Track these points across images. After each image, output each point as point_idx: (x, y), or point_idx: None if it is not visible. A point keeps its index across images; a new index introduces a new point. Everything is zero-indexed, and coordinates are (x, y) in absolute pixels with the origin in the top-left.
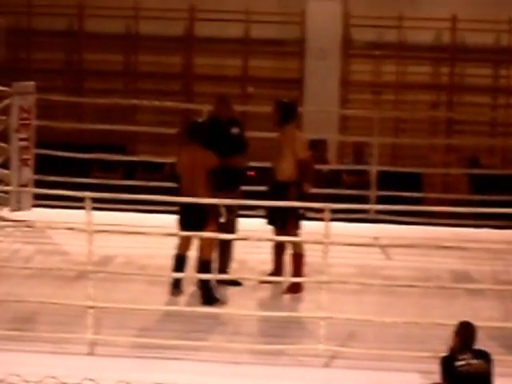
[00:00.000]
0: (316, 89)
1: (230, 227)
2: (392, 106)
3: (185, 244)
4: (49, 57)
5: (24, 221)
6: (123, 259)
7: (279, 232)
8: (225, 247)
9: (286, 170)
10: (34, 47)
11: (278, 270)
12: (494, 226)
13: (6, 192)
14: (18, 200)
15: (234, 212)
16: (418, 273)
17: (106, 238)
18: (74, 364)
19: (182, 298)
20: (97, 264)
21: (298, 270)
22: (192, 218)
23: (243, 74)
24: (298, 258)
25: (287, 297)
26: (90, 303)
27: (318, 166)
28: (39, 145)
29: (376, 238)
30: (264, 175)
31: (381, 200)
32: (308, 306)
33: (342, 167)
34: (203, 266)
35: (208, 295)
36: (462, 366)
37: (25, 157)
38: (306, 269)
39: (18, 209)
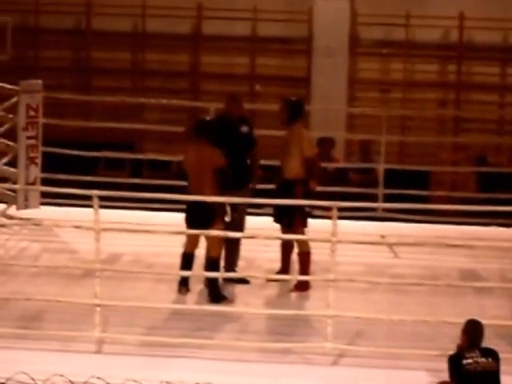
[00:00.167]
0: (323, 87)
1: (237, 225)
2: (399, 104)
3: (192, 242)
4: (56, 55)
5: (31, 219)
6: (130, 257)
7: (286, 230)
8: (232, 245)
9: (294, 168)
10: (42, 45)
11: (285, 268)
12: (502, 224)
13: (13, 190)
14: (25, 198)
15: (239, 211)
16: (426, 271)
17: (113, 236)
18: (81, 362)
19: (190, 296)
20: (104, 262)
21: (304, 268)
22: (199, 216)
23: (251, 72)
24: (305, 257)
25: (294, 295)
26: (98, 301)
27: (323, 164)
28: (47, 143)
29: (383, 236)
30: (271, 173)
31: (388, 198)
32: (315, 304)
33: (349, 165)
34: (211, 264)
35: (215, 293)
36: (470, 364)
37: (32, 155)
38: (313, 267)
39: (26, 207)
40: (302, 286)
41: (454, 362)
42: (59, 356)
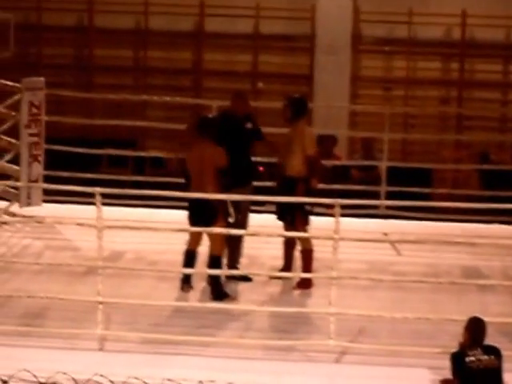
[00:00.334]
0: (326, 84)
1: (240, 223)
2: (402, 102)
3: (195, 240)
4: (58, 52)
5: (34, 216)
6: (133, 255)
7: (289, 228)
8: (235, 243)
9: (296, 165)
10: (44, 43)
11: (288, 266)
12: (504, 221)
13: (16, 187)
14: (28, 195)
15: (243, 208)
16: (428, 268)
17: (115, 233)
18: (84, 360)
19: (192, 294)
20: (106, 260)
21: (307, 266)
22: (201, 214)
23: (253, 70)
24: (307, 254)
25: (297, 292)
26: (100, 299)
27: (324, 162)
28: (49, 140)
29: (386, 234)
30: (273, 171)
31: (391, 196)
32: (318, 302)
33: (351, 163)
34: (214, 261)
35: (218, 291)
36: (473, 361)
37: (35, 152)
38: (315, 264)
39: (28, 204)
40: (305, 284)
41: (457, 359)
42: (62, 353)
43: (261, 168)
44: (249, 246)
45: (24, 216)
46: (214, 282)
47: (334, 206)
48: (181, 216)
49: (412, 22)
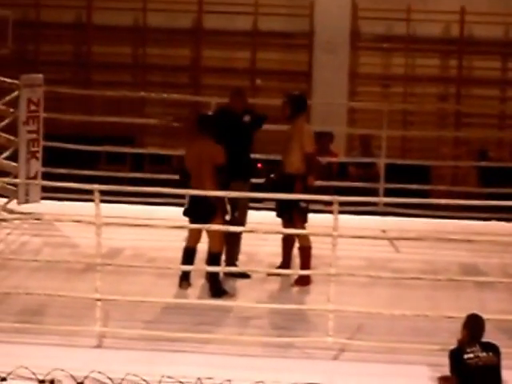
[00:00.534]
0: (324, 81)
1: (238, 220)
2: (400, 99)
3: (194, 237)
4: (57, 49)
5: (32, 213)
6: (131, 252)
7: (287, 225)
8: (233, 240)
9: (295, 162)
10: (42, 40)
11: (286, 263)
12: (503, 218)
13: (14, 184)
14: (26, 192)
15: (241, 205)
16: (427, 265)
17: (114, 230)
18: (82, 356)
19: (191, 291)
20: (105, 256)
21: (305, 263)
22: (200, 211)
23: (251, 67)
24: (306, 251)
25: (296, 289)
26: (98, 296)
27: (321, 159)
28: (47, 137)
29: (384, 231)
30: (272, 167)
31: (389, 193)
32: (317, 299)
33: (349, 160)
34: (212, 258)
35: (216, 288)
36: (471, 358)
37: (33, 149)
38: (314, 261)
39: (27, 201)
40: (303, 281)
41: (455, 356)
42: (60, 350)
43: (259, 165)
44: (247, 243)
45: (22, 213)
46: (212, 278)
47: (332, 203)
48: (179, 213)
49: (410, 19)
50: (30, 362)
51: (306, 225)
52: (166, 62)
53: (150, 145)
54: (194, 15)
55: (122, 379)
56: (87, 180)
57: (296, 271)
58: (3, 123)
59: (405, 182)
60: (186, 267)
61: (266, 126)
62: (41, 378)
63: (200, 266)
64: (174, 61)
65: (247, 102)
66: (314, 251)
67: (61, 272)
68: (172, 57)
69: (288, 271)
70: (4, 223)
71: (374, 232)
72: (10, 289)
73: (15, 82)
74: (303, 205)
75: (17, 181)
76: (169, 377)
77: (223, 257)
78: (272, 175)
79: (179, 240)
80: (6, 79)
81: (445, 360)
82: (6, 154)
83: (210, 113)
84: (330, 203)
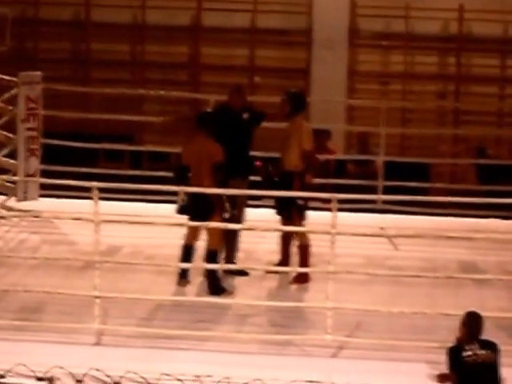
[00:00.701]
0: (323, 79)
1: (237, 217)
2: (399, 96)
3: (192, 234)
4: (55, 47)
5: (31, 211)
6: (130, 249)
7: (286, 222)
8: (231, 237)
9: (293, 160)
10: (41, 37)
11: (285, 260)
12: (501, 216)
13: (13, 182)
14: (24, 190)
15: (239, 203)
16: (426, 263)
17: (112, 227)
18: (80, 354)
19: (189, 288)
20: (104, 254)
21: (304, 261)
22: (199, 209)
23: (250, 64)
24: (305, 249)
25: (294, 287)
26: (97, 293)
27: (318, 156)
28: (46, 135)
29: (383, 228)
30: (271, 165)
31: (388, 190)
32: (315, 296)
33: (347, 157)
34: (210, 255)
35: (215, 285)
36: (469, 356)
37: (32, 147)
38: (312, 259)
39: (25, 199)
40: (302, 278)
41: (454, 354)
42: (59, 348)
43: (258, 162)
44: (246, 241)
45: (21, 210)
46: (211, 276)
47: (330, 201)
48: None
49: (409, 17)
50: (28, 359)
51: (305, 222)
52: (164, 60)
53: (149, 142)
54: (193, 12)
55: (121, 377)
56: (86, 177)
57: (294, 269)
58: (2, 121)
59: (403, 179)
60: (185, 265)
61: (264, 124)
62: (39, 375)
63: (198, 263)
64: (172, 58)
65: (246, 99)
66: (312, 249)
67: (59, 269)
68: (170, 54)
69: (286, 269)
70: (3, 221)
71: (373, 230)
72: (9, 286)
73: (14, 79)
74: (300, 202)
75: (15, 178)
76: (167, 374)
77: (222, 254)
78: (270, 168)
79: (178, 237)
80: (4, 77)
81: (443, 357)
82: (4, 152)
83: (209, 110)
84: (328, 201)
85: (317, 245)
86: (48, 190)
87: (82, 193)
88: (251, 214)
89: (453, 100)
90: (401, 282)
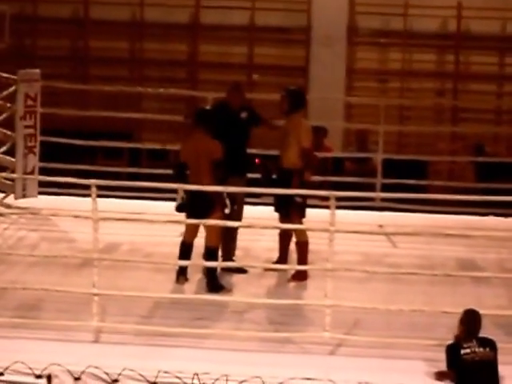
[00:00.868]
0: (321, 76)
1: (235, 215)
2: (397, 94)
3: (191, 232)
4: (54, 44)
5: (29, 208)
6: (128, 247)
7: (285, 220)
8: (229, 235)
9: (292, 157)
10: (40, 34)
11: (283, 258)
12: (500, 213)
13: (11, 179)
14: (23, 187)
15: (238, 200)
16: (424, 261)
17: (111, 225)
18: (79, 351)
19: (188, 286)
20: (102, 251)
21: (302, 258)
22: (198, 206)
23: (248, 62)
24: (303, 246)
25: (293, 284)
26: (96, 291)
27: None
28: (45, 132)
29: (381, 226)
30: (270, 162)
31: (386, 188)
32: (313, 294)
33: (345, 155)
34: (209, 253)
35: (213, 283)
36: (468, 354)
37: (30, 144)
38: (311, 256)
39: (24, 196)
40: (300, 276)
41: (452, 351)
42: (57, 345)
43: (256, 160)
44: (244, 238)
45: (19, 208)
46: (209, 273)
47: (329, 198)
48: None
49: (407, 14)
50: (26, 356)
51: (304, 220)
52: (163, 57)
53: (148, 140)
54: (191, 10)
55: (119, 374)
56: (84, 175)
57: (293, 266)
58: (0, 118)
59: (402, 177)
60: (183, 262)
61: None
62: (38, 372)
63: (197, 260)
64: (171, 56)
65: (245, 97)
66: (310, 246)
67: (58, 267)
68: (169, 51)
69: (285, 266)
70: (1, 218)
71: (371, 227)
72: (7, 284)
73: (12, 76)
74: (299, 200)
75: (14, 176)
76: (165, 372)
77: (220, 252)
78: (269, 166)
79: (176, 235)
80: (3, 74)
81: (441, 355)
82: (3, 149)
83: (206, 107)
84: (326, 198)
85: (315, 242)
86: (46, 188)
87: (81, 190)
88: (250, 211)
89: (451, 98)
90: (399, 280)
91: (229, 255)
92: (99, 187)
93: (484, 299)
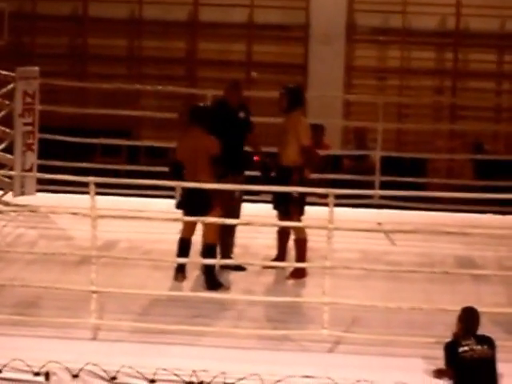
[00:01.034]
0: (320, 74)
1: (233, 212)
2: (396, 92)
3: (189, 229)
4: (53, 41)
5: (28, 205)
6: (127, 244)
7: (283, 217)
8: (227, 232)
9: (291, 155)
10: (38, 32)
11: (281, 255)
12: (498, 211)
13: (9, 177)
14: (21, 185)
15: (236, 200)
16: (422, 258)
17: (109, 222)
18: (77, 349)
19: (186, 283)
20: (100, 249)
21: (301, 256)
22: (195, 203)
23: (247, 59)
24: (301, 244)
25: (291, 282)
26: (94, 288)
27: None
28: (43, 129)
29: (380, 224)
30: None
31: (385, 185)
32: (312, 292)
33: (343, 152)
34: (208, 250)
35: (212, 280)
36: (466, 351)
37: (29, 141)
38: (309, 254)
39: (22, 193)
40: (299, 273)
41: (450, 349)
42: (55, 343)
43: (256, 157)
44: (242, 236)
45: (18, 205)
46: (208, 271)
47: (327, 196)
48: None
49: (406, 12)
50: (25, 354)
51: (302, 217)
52: (161, 55)
53: (146, 137)
54: (190, 8)
55: (117, 371)
56: (83, 172)
57: (291, 264)
58: None
59: (400, 174)
60: (182, 259)
61: (262, 119)
62: (36, 370)
63: (195, 258)
64: (169, 53)
65: (242, 95)
66: (309, 244)
67: (56, 264)
68: (168, 49)
69: (283, 264)
70: (0, 215)
71: (370, 225)
72: (6, 281)
73: (11, 74)
74: (296, 195)
75: (12, 173)
76: (164, 369)
77: (218, 249)
78: (268, 163)
79: (175, 232)
80: (1, 71)
81: (440, 353)
82: (1, 147)
83: (201, 104)
84: (325, 196)
85: (314, 240)
86: (45, 185)
87: (79, 188)
88: (248, 208)
89: (450, 95)
90: (398, 278)
91: (227, 252)
92: (98, 185)
93: (482, 297)
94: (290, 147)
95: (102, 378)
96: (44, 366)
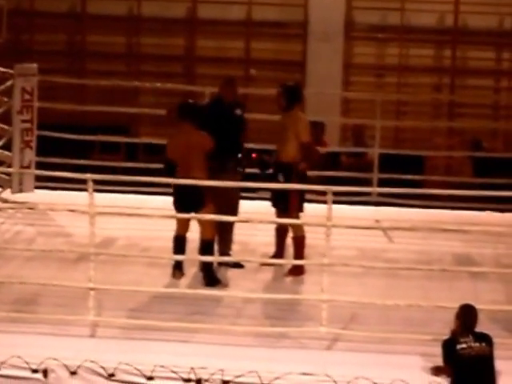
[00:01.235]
0: (318, 71)
1: (231, 209)
2: (395, 89)
3: (183, 225)
4: (51, 38)
5: (26, 202)
6: (125, 241)
7: (282, 214)
8: (226, 229)
9: (290, 152)
10: (37, 29)
11: (280, 253)
12: (497, 208)
13: (8, 173)
14: (20, 182)
15: (234, 197)
16: (420, 256)
17: (107, 219)
18: (75, 346)
19: (184, 280)
20: (98, 246)
21: (299, 253)
22: (189, 200)
23: (246, 56)
24: (300, 241)
25: (289, 279)
26: (92, 285)
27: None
28: (41, 126)
29: (378, 221)
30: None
31: (383, 183)
32: (310, 289)
33: (341, 149)
34: (205, 246)
35: (210, 277)
36: (464, 349)
37: (27, 138)
38: (307, 251)
39: (20, 190)
40: (297, 271)
41: (448, 346)
42: (53, 340)
43: (253, 155)
44: (240, 233)
45: (16, 202)
46: (205, 268)
47: (325, 193)
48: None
49: (405, 9)
50: (23, 351)
51: (300, 214)
52: (160, 52)
53: (144, 134)
54: (189, 5)
55: (115, 368)
56: (81, 169)
57: (289, 261)
58: None
59: (398, 172)
60: (179, 257)
61: (260, 116)
62: (34, 367)
63: (193, 255)
64: (168, 50)
65: (237, 91)
66: (307, 241)
67: (54, 261)
68: (166, 46)
69: (281, 261)
70: None
71: (368, 222)
72: (4, 278)
73: (9, 71)
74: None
75: (10, 170)
76: (161, 366)
77: (216, 247)
78: (266, 160)
79: (172, 229)
80: (0, 68)
81: (438, 350)
82: (0, 144)
83: (190, 100)
84: (323, 193)
85: (312, 237)
86: (43, 182)
87: (78, 185)
88: (246, 206)
89: (448, 93)
90: (396, 275)
91: (225, 250)
92: (96, 182)
93: (480, 294)
94: (289, 144)
95: (100, 374)
96: (42, 362)
